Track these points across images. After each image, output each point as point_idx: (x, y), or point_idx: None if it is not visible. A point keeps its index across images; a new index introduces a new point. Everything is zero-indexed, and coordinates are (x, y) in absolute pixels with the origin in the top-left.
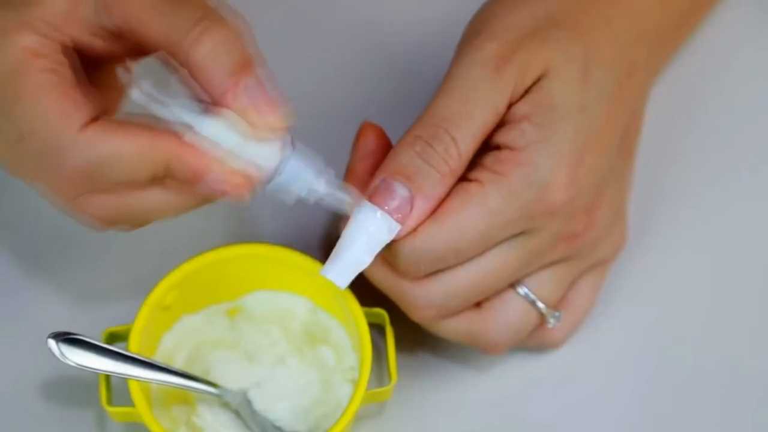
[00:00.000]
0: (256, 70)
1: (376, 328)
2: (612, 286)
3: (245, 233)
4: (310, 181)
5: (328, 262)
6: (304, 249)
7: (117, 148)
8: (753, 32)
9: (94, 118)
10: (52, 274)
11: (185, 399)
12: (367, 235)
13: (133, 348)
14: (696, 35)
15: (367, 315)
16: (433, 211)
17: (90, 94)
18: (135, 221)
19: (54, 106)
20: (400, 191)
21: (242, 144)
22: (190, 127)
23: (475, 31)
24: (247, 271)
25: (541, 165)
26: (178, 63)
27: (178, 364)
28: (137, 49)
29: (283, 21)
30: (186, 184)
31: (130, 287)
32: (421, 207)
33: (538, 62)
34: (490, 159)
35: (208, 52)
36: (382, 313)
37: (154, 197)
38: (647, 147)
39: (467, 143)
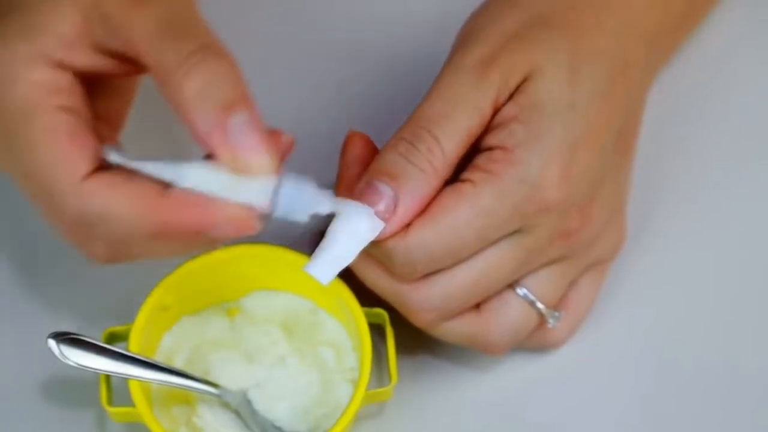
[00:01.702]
0: (247, 108)
1: (376, 329)
2: (612, 286)
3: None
4: (311, 201)
5: (311, 259)
6: (303, 249)
7: (113, 208)
8: (752, 32)
9: (98, 168)
10: (52, 274)
11: (185, 399)
12: (350, 233)
13: (133, 348)
14: (695, 35)
15: (367, 315)
16: (422, 210)
17: (99, 123)
18: (137, 261)
19: (60, 152)
20: (385, 190)
21: (232, 185)
22: (174, 182)
23: (463, 39)
24: (247, 272)
25: (531, 163)
26: (168, 96)
27: (178, 365)
28: (142, 70)
29: (275, 25)
30: (192, 237)
31: (130, 287)
32: (406, 205)
33: (522, 64)
34: (482, 159)
35: (198, 87)
36: (382, 313)
37: (157, 245)
38: (646, 146)
39: (451, 142)
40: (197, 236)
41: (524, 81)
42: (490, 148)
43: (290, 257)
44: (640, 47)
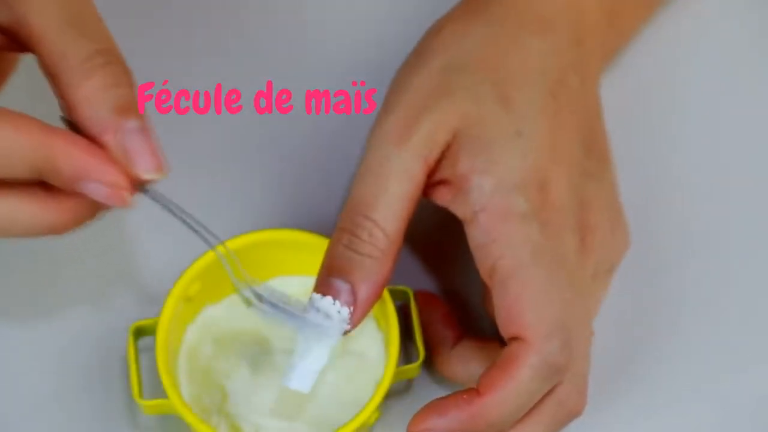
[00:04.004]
0: (140, 116)
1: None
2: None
3: (257, 222)
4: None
5: (288, 372)
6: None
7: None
8: (753, 30)
9: None
10: (76, 269)
11: (217, 387)
12: (317, 339)
13: (161, 341)
14: (685, 30)
15: (391, 293)
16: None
17: None
18: None
19: None
20: (340, 286)
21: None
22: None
23: (386, 100)
24: (267, 258)
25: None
26: (60, 86)
27: (204, 355)
28: (25, 50)
29: None
30: (65, 183)
31: (151, 282)
32: (365, 294)
33: (447, 117)
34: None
35: (97, 88)
36: (406, 291)
37: (14, 206)
38: (645, 147)
39: (389, 222)
40: (75, 183)
41: (457, 133)
42: (464, 219)
43: (311, 240)
44: (572, 51)
